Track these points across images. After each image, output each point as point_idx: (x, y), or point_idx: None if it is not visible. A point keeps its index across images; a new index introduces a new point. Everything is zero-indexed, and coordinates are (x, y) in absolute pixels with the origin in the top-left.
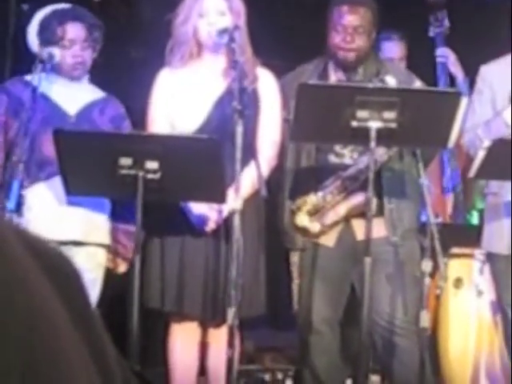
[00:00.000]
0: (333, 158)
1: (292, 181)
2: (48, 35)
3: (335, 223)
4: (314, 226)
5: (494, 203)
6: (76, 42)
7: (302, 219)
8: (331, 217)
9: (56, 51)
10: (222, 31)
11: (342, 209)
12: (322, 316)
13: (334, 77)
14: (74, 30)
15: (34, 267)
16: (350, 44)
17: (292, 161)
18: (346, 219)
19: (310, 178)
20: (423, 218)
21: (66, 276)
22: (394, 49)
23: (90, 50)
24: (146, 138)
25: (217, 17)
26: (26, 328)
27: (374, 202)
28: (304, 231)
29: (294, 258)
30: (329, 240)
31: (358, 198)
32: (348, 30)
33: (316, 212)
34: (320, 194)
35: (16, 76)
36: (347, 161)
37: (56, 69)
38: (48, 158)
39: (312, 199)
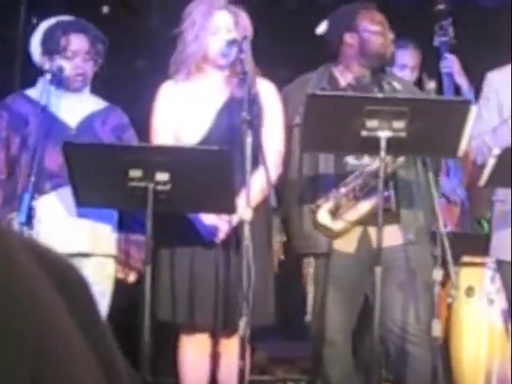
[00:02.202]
0: (351, 160)
1: (311, 185)
2: (51, 44)
3: (358, 220)
4: (337, 224)
5: (501, 210)
6: (78, 54)
7: (324, 217)
8: (354, 214)
9: (65, 64)
10: (231, 42)
11: (365, 206)
12: (336, 326)
13: (344, 82)
14: (77, 42)
15: (43, 277)
16: (392, 41)
17: (310, 166)
18: (364, 224)
19: (330, 182)
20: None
21: (74, 286)
22: (407, 57)
23: (92, 63)
24: (156, 150)
25: (226, 33)
26: (34, 333)
27: (393, 200)
28: (325, 229)
29: (309, 267)
30: (348, 246)
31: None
32: (386, 29)
33: (337, 210)
34: (342, 190)
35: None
36: (365, 161)
37: (57, 81)
38: (51, 172)
39: (334, 196)
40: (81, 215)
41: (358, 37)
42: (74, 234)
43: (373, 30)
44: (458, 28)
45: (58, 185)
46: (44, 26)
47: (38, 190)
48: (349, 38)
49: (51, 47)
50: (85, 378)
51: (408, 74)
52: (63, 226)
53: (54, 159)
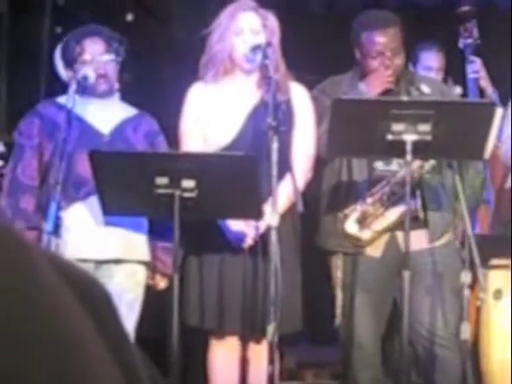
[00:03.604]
0: (380, 166)
1: (345, 191)
2: (69, 55)
3: (386, 229)
4: (365, 234)
5: None
6: (96, 55)
7: (352, 227)
8: (382, 223)
9: (90, 72)
10: (255, 48)
11: (393, 215)
12: (365, 330)
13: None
14: (91, 44)
15: (66, 292)
16: (389, 68)
17: (346, 172)
18: (392, 230)
19: (361, 187)
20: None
21: (97, 300)
22: (431, 59)
23: (113, 64)
24: (182, 157)
25: (252, 35)
26: (57, 349)
27: (420, 209)
28: (354, 239)
29: (337, 272)
30: (375, 250)
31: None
32: (385, 53)
33: (365, 219)
34: (369, 200)
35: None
36: (394, 167)
37: (82, 89)
38: (84, 178)
39: (361, 206)
40: (112, 222)
41: (361, 55)
42: (106, 240)
43: (367, 52)
44: (481, 30)
45: (89, 192)
46: (62, 41)
47: (69, 198)
48: (357, 53)
49: (69, 58)
50: None
51: (433, 76)
52: (95, 232)
53: (87, 166)
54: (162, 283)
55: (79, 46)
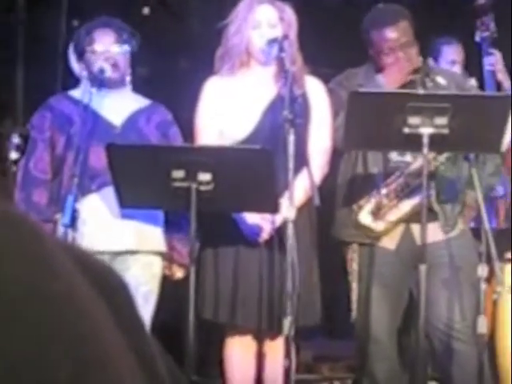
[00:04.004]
0: (395, 156)
1: (360, 182)
2: (80, 47)
3: (400, 220)
4: (379, 225)
5: None
6: (106, 45)
7: (365, 218)
8: (395, 214)
9: (105, 66)
10: (272, 41)
11: (406, 206)
12: (381, 323)
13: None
14: (101, 34)
15: (83, 282)
16: (405, 61)
17: (361, 163)
18: (407, 222)
19: (377, 178)
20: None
21: (113, 288)
22: (453, 53)
23: (123, 55)
24: (198, 150)
25: (269, 29)
26: (72, 335)
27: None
28: (367, 230)
29: (353, 264)
30: (390, 242)
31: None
32: (398, 48)
33: (379, 210)
34: (383, 191)
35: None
36: (408, 158)
37: (98, 82)
38: (96, 170)
39: (375, 197)
40: (127, 214)
41: (374, 52)
42: (121, 231)
43: (380, 49)
44: (497, 23)
45: (103, 184)
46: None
47: (83, 190)
48: (370, 51)
49: (80, 50)
50: (124, 379)
51: (458, 70)
52: (109, 224)
53: (99, 158)
54: (178, 273)
55: (89, 37)
